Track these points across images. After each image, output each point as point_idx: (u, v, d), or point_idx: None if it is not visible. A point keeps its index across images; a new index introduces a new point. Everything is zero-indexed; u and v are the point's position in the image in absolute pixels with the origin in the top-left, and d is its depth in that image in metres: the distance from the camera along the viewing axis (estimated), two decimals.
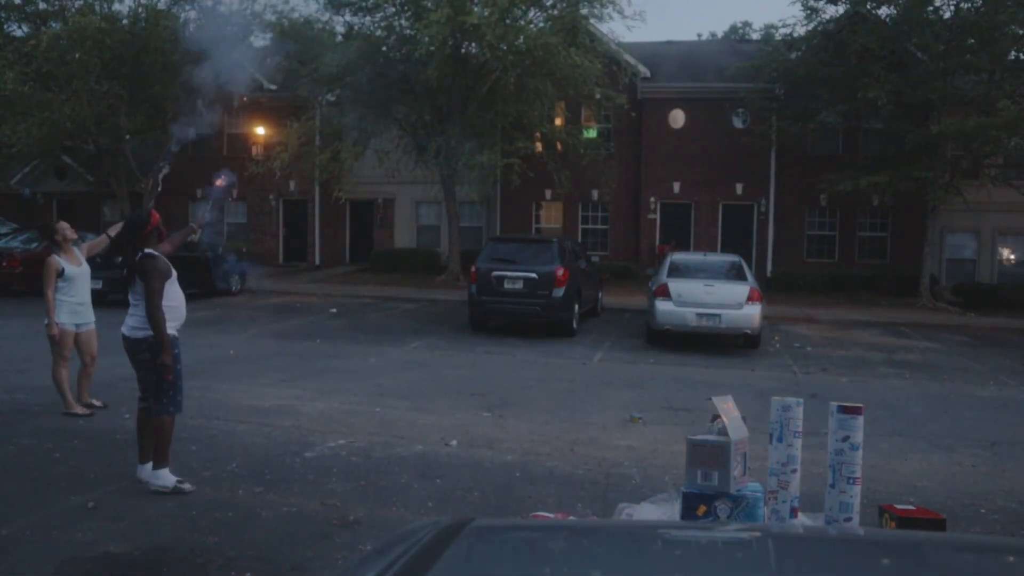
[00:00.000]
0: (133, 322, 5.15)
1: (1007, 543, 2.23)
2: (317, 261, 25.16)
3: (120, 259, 5.24)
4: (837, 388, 9.25)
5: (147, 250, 5.13)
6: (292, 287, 19.81)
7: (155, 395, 5.12)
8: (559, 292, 12.57)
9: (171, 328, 5.10)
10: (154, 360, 5.04)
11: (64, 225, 7.09)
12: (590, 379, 9.59)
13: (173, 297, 5.16)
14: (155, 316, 4.97)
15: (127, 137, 21.86)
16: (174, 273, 5.22)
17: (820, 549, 1.63)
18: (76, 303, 7.00)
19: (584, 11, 18.85)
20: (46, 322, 6.87)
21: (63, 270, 6.86)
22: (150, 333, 5.02)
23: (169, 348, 5.00)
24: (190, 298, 19.97)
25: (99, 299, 7.49)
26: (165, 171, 8.16)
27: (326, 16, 20.82)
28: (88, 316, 7.14)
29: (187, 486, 5.08)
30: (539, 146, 21.09)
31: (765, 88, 20.79)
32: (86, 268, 7.13)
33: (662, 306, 11.94)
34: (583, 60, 17.82)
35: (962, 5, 18.23)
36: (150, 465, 5.19)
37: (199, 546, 4.24)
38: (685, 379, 9.69)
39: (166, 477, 5.05)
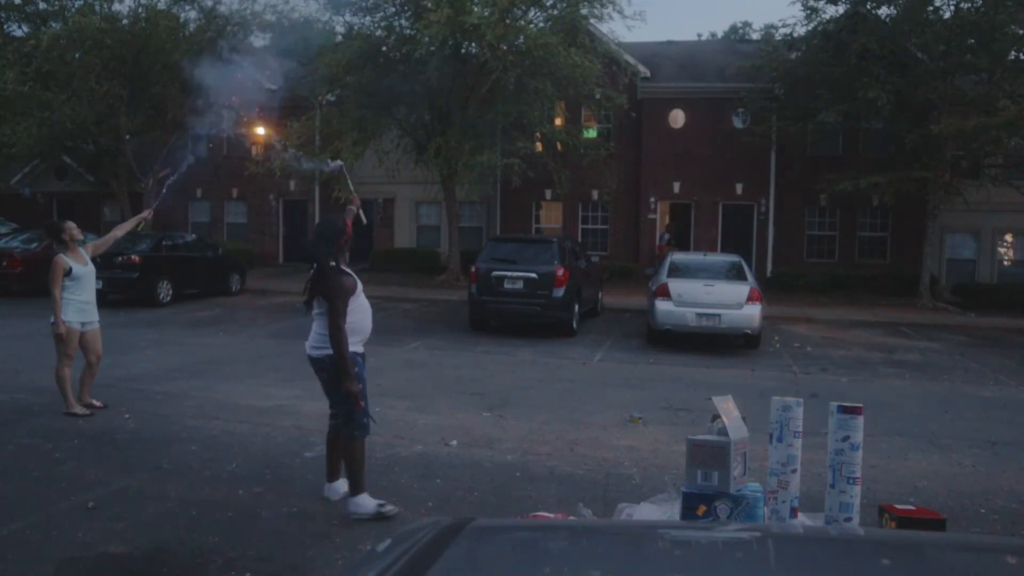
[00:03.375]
0: (314, 340, 4.82)
1: (1007, 543, 2.23)
2: None
3: (312, 270, 4.79)
4: (837, 388, 9.24)
5: (339, 265, 4.75)
6: (292, 287, 19.79)
7: (342, 417, 4.83)
8: (559, 292, 12.57)
9: (355, 345, 4.76)
10: (336, 381, 4.74)
11: (71, 225, 7.12)
12: (590, 379, 9.59)
13: (356, 311, 4.76)
14: (337, 339, 4.60)
15: (127, 137, 21.86)
16: (360, 286, 4.85)
17: (820, 549, 1.63)
18: (83, 302, 7.03)
19: (584, 11, 18.83)
20: (52, 320, 6.88)
21: (71, 269, 6.88)
22: (330, 351, 4.69)
23: (352, 373, 4.63)
24: (190, 298, 19.88)
25: (99, 299, 7.51)
26: (171, 179, 8.16)
27: (326, 16, 20.83)
28: (93, 315, 7.17)
29: (389, 508, 4.72)
30: (539, 146, 21.08)
31: (765, 88, 20.78)
32: (92, 267, 7.17)
33: (662, 306, 11.94)
34: (583, 60, 17.81)
35: (962, 5, 18.22)
36: (339, 483, 4.97)
37: (199, 546, 4.24)
38: (685, 379, 9.68)
39: (365, 503, 4.72)
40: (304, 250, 5.28)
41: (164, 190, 8.52)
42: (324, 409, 7.48)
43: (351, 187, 6.30)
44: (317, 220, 4.95)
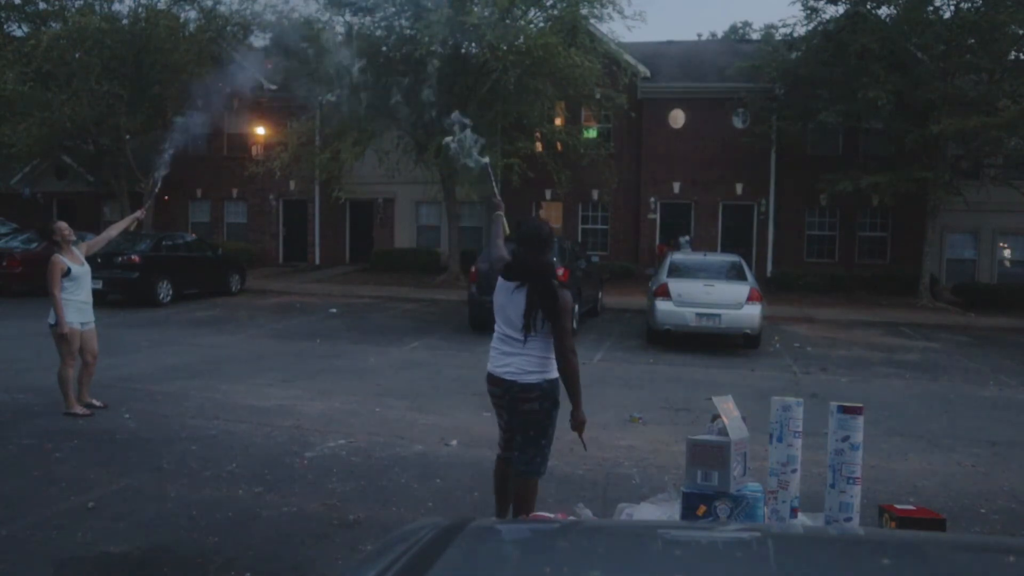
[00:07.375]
0: (521, 363, 4.16)
1: (1007, 543, 2.23)
2: (317, 261, 25.16)
3: (521, 283, 4.15)
4: (837, 388, 9.24)
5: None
6: (292, 287, 19.81)
7: (527, 451, 4.22)
8: None
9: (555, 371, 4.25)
10: (543, 411, 4.17)
11: (62, 225, 7.11)
12: (590, 379, 9.55)
13: None
14: (574, 362, 4.04)
15: (127, 137, 21.86)
16: None
17: (820, 549, 1.63)
18: (81, 302, 7.04)
19: (584, 11, 18.82)
20: (51, 322, 6.88)
21: (69, 269, 6.89)
22: (544, 376, 4.13)
23: (581, 400, 4.18)
24: (190, 298, 19.85)
25: (98, 299, 7.52)
26: (164, 171, 8.16)
27: (326, 16, 20.82)
28: (91, 315, 7.19)
29: None
30: (539, 146, 21.08)
31: (765, 88, 20.79)
32: (87, 267, 7.18)
33: (662, 306, 11.94)
34: (583, 60, 17.81)
35: (962, 5, 18.22)
36: None
37: (199, 546, 4.24)
38: (685, 379, 9.68)
39: None
40: (520, 261, 4.36)
41: (157, 188, 8.54)
42: (325, 409, 7.53)
43: (496, 189, 5.50)
44: (522, 225, 4.23)
